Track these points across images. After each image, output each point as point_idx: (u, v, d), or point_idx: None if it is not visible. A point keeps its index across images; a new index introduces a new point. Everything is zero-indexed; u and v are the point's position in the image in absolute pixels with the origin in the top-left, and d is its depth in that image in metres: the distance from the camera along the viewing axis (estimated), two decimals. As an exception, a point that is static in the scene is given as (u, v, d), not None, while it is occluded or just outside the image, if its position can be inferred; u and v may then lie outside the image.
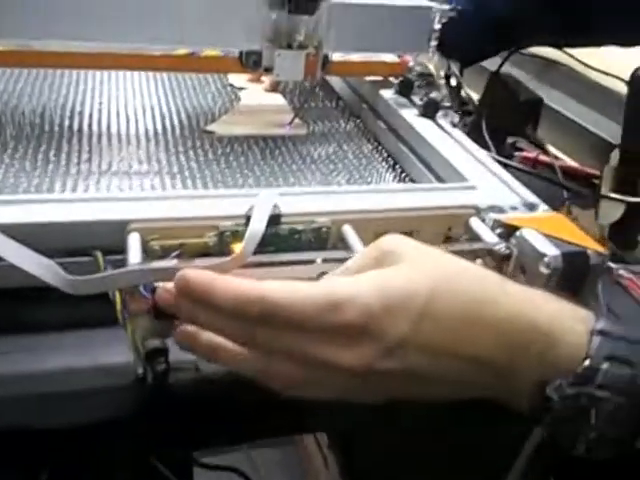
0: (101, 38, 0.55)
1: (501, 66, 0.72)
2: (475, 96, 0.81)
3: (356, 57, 0.65)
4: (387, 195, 0.46)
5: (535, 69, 0.95)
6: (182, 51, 0.59)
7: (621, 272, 0.59)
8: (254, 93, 0.72)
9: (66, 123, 0.60)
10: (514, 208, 0.45)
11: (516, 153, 0.75)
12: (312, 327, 0.30)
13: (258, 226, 0.38)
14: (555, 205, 0.61)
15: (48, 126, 0.59)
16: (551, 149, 0.86)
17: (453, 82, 0.72)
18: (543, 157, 0.73)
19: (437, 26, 0.62)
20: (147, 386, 0.41)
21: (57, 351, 0.43)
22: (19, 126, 0.59)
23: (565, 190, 0.63)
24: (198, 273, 0.32)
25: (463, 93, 0.77)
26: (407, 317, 0.30)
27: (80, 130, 0.59)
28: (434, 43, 0.63)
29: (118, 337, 0.39)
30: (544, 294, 0.33)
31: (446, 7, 0.61)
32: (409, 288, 0.31)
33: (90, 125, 0.61)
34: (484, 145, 0.66)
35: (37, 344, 0.43)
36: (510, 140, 0.75)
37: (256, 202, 0.40)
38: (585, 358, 0.30)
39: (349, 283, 0.31)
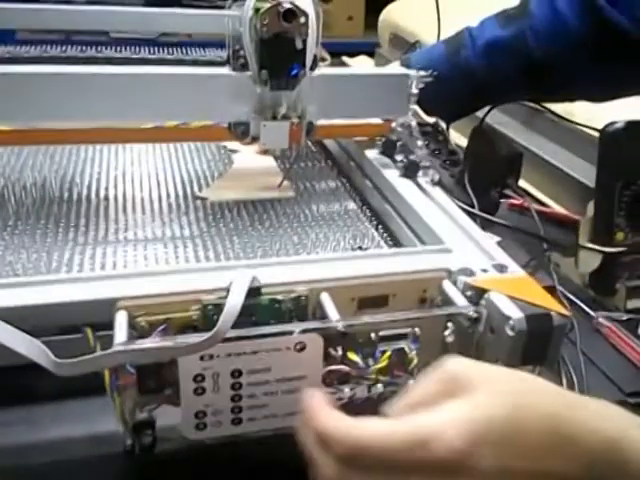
0: (100, 116, 0.58)
1: (482, 121, 0.75)
2: (465, 142, 0.84)
3: (340, 120, 0.69)
4: (363, 261, 0.48)
5: (522, 116, 0.98)
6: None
7: (600, 320, 0.61)
8: (246, 155, 0.75)
9: (65, 195, 0.63)
10: (485, 270, 0.47)
11: (502, 200, 0.78)
12: (404, 464, 0.30)
13: (236, 301, 0.40)
14: (537, 253, 0.63)
15: (48, 199, 0.62)
16: (539, 195, 0.88)
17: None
18: (528, 204, 0.75)
19: (415, 90, 0.65)
20: (136, 456, 0.43)
21: (55, 422, 0.45)
22: (21, 200, 0.62)
23: (545, 242, 0.65)
24: None
25: (451, 143, 0.80)
26: (492, 444, 0.30)
27: (79, 200, 0.63)
28: (413, 106, 0.66)
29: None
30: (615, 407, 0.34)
31: (423, 73, 0.64)
32: (491, 416, 0.31)
33: (88, 195, 0.64)
34: (468, 197, 0.69)
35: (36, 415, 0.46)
36: (496, 189, 0.77)
37: (235, 277, 0.43)
38: None
39: (433, 419, 0.31)
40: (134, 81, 0.58)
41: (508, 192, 0.79)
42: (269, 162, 0.74)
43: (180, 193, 0.66)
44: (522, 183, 0.78)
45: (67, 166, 0.70)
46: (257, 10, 0.55)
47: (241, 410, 0.44)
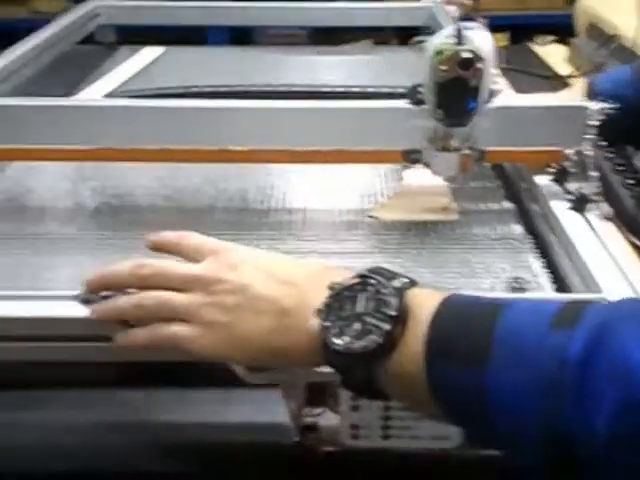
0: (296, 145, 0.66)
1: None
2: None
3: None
4: None
5: None
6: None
7: None
8: (416, 172, 0.78)
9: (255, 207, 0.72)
10: None
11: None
12: None
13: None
14: None
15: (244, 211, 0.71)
16: None
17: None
18: None
19: (593, 123, 0.64)
20: (300, 452, 0.51)
21: (239, 406, 0.54)
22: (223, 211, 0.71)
23: None
24: None
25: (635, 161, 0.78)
26: None
27: (262, 213, 0.71)
28: (591, 137, 0.65)
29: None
30: None
31: (604, 105, 0.63)
32: None
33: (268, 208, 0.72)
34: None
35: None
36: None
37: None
38: None
39: None
40: (325, 113, 0.65)
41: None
42: (438, 180, 0.77)
43: (353, 208, 0.72)
44: None
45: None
46: (438, 52, 0.59)
47: (390, 428, 0.50)
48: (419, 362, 0.35)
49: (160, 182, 0.76)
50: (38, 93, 0.79)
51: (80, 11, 1.23)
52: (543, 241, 0.65)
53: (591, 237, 0.60)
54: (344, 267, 0.44)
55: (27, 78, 0.95)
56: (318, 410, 0.51)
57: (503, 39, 1.98)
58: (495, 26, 0.75)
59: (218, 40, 2.23)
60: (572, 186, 0.66)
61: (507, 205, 0.73)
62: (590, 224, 0.62)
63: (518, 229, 0.68)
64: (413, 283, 0.38)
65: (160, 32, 1.40)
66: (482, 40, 0.60)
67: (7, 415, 0.52)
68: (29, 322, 0.48)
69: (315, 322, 0.39)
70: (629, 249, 0.57)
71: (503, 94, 0.66)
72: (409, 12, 1.31)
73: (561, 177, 0.68)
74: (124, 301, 0.44)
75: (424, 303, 0.37)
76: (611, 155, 0.77)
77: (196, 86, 0.71)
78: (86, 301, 0.48)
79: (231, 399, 0.53)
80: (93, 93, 0.87)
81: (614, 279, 0.53)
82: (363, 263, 0.62)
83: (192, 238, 0.47)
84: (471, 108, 0.61)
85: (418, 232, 0.68)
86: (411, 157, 0.67)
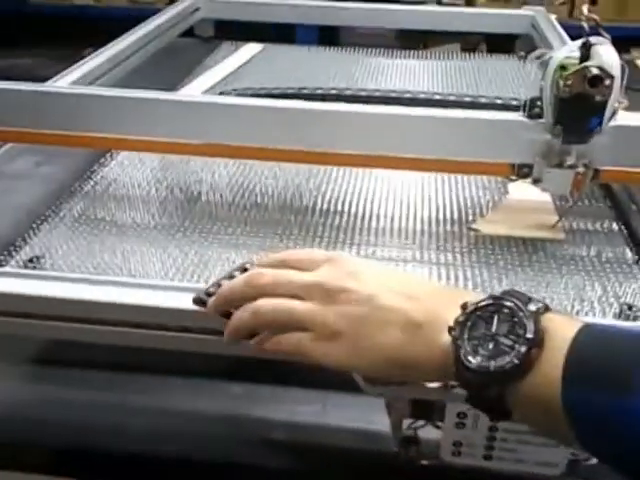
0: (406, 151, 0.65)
1: None
2: None
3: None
4: None
5: None
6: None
7: None
8: (522, 186, 0.76)
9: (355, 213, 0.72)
10: None
11: None
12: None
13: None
14: None
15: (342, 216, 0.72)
16: None
17: None
18: None
19: None
20: (397, 463, 0.51)
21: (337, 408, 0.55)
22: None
23: None
24: None
25: None
26: None
27: (359, 218, 0.71)
28: None
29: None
30: None
31: None
32: None
33: (362, 213, 0.72)
34: None
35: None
36: None
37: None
38: None
39: None
40: (438, 122, 0.64)
41: None
42: (544, 196, 0.75)
43: (454, 219, 0.71)
44: None
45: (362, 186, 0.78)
46: (562, 67, 0.57)
47: (493, 449, 0.49)
48: (555, 386, 0.35)
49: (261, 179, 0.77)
50: (147, 84, 0.81)
51: (181, 5, 1.26)
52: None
53: None
54: (461, 288, 0.44)
55: (133, 68, 0.98)
56: (420, 423, 0.50)
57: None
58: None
59: (307, 37, 2.25)
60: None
61: (616, 227, 0.70)
62: None
63: (629, 254, 0.65)
64: (547, 308, 0.38)
65: (254, 28, 1.43)
66: (609, 56, 0.58)
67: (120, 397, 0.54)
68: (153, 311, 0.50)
69: (447, 338, 0.39)
70: None
71: (621, 112, 0.64)
72: (508, 19, 1.28)
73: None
74: (242, 311, 0.45)
75: (561, 328, 0.37)
76: None
77: (306, 88, 0.72)
78: (200, 302, 0.49)
79: (332, 402, 0.53)
80: (198, 88, 0.89)
81: None
82: (466, 275, 0.62)
83: (298, 252, 0.48)
84: (593, 126, 0.59)
85: (523, 249, 0.66)
86: (522, 171, 0.65)
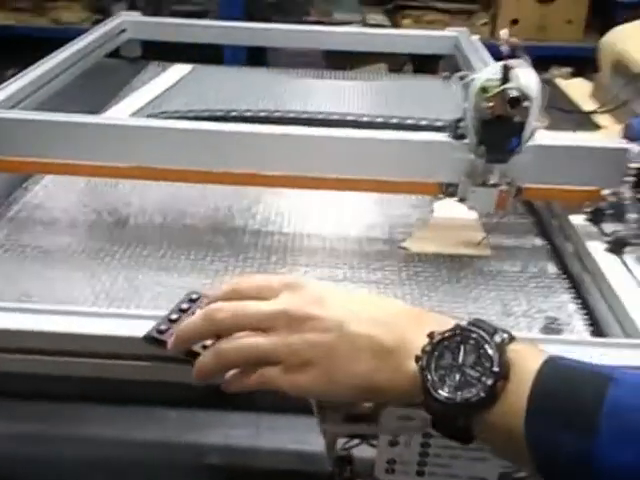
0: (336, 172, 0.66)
1: None
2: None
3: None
4: (559, 347, 0.49)
5: None
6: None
7: None
8: (447, 205, 0.77)
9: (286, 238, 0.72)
10: None
11: None
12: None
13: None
14: None
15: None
16: None
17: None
18: None
19: (634, 165, 0.64)
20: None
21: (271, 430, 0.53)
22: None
23: None
24: None
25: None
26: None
27: (288, 238, 0.71)
28: (629, 179, 0.65)
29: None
30: None
31: (645, 148, 0.64)
32: None
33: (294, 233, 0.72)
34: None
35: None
36: None
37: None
38: None
39: None
40: (365, 143, 0.65)
41: None
42: (470, 213, 0.76)
43: (384, 237, 0.72)
44: None
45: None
46: (483, 89, 0.59)
47: (426, 465, 0.50)
48: (519, 416, 0.36)
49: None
50: (72, 106, 0.79)
51: (108, 25, 1.24)
52: (578, 281, 0.65)
53: (629, 280, 0.60)
54: (427, 310, 0.45)
55: (58, 90, 0.96)
56: (355, 442, 0.50)
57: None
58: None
59: (236, 58, 2.25)
60: (607, 227, 0.66)
61: (540, 242, 0.72)
62: (627, 267, 0.62)
63: (552, 268, 0.68)
64: (512, 338, 0.39)
65: (182, 48, 1.42)
66: (528, 78, 0.60)
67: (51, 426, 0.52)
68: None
69: (414, 366, 0.39)
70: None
71: (541, 131, 0.67)
72: (433, 40, 1.32)
73: (596, 218, 0.68)
74: (205, 354, 0.43)
75: (525, 360, 0.38)
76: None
77: (235, 110, 0.72)
78: (154, 341, 0.47)
79: (266, 424, 0.52)
80: (125, 110, 0.88)
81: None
82: (395, 293, 0.63)
83: (252, 278, 0.46)
84: (514, 146, 0.61)
85: (451, 266, 0.68)
86: (448, 190, 0.67)
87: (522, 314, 0.61)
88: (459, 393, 0.37)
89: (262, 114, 0.70)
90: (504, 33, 0.65)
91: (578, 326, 0.59)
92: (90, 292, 0.61)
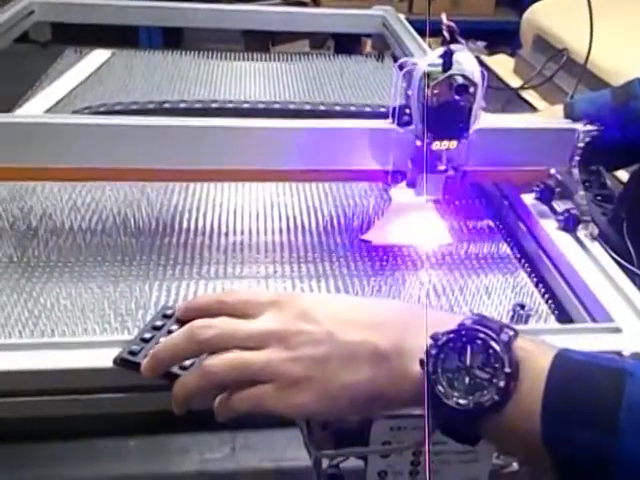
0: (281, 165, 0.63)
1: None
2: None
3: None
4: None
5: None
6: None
7: None
8: (402, 191, 0.75)
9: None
10: None
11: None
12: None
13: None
14: None
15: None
16: None
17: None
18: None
19: (581, 144, 0.64)
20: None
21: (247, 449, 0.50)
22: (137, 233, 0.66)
23: None
24: None
25: (603, 175, 0.79)
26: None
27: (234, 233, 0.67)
28: (577, 158, 0.65)
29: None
30: None
31: (590, 127, 0.64)
32: None
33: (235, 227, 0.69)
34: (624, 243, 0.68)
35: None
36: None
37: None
38: None
39: None
40: (314, 132, 0.62)
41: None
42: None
43: (342, 229, 0.69)
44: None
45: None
46: (429, 76, 0.57)
47: (418, 473, 0.48)
48: (534, 418, 0.35)
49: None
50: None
51: (14, 7, 1.14)
52: (537, 262, 0.65)
53: (586, 260, 0.60)
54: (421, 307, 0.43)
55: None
56: (343, 455, 0.48)
57: (436, 44, 2.01)
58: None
59: (151, 40, 2.16)
60: (557, 205, 0.66)
61: (492, 224, 0.72)
62: (583, 245, 0.62)
63: (509, 250, 0.67)
64: (517, 333, 0.38)
65: (93, 31, 1.34)
66: (470, 63, 0.59)
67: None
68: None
69: (418, 369, 0.37)
70: (622, 273, 0.58)
71: (485, 114, 0.66)
72: (359, 19, 1.29)
73: (546, 196, 0.68)
74: (190, 374, 0.40)
75: (534, 358, 0.37)
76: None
77: (168, 102, 0.67)
78: (127, 363, 0.43)
79: (241, 442, 0.49)
80: (42, 104, 0.81)
81: (619, 305, 0.54)
82: (363, 285, 0.61)
83: (236, 293, 0.43)
84: (460, 131, 0.60)
85: (413, 254, 0.66)
86: (396, 177, 0.65)
87: (489, 300, 0.60)
88: (471, 397, 0.36)
89: (198, 105, 0.66)
90: (443, 17, 0.63)
91: (545, 310, 0.59)
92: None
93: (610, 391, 0.34)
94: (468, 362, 0.36)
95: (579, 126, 0.64)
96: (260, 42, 2.32)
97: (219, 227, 0.68)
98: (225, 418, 0.40)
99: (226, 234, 0.67)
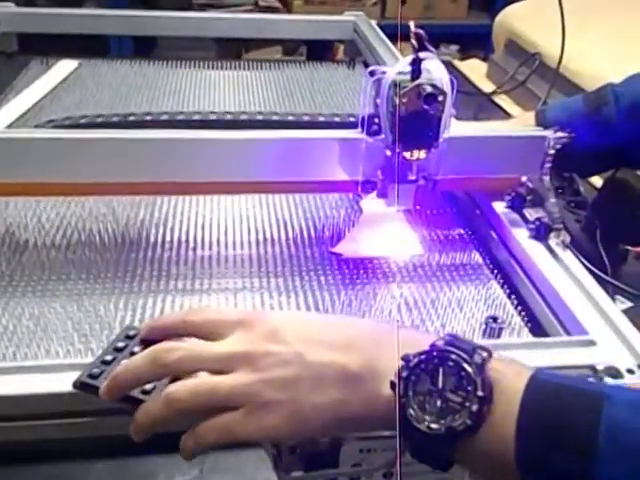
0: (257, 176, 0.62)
1: (615, 173, 0.73)
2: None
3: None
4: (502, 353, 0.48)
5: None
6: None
7: None
8: (372, 201, 0.74)
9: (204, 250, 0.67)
10: (631, 371, 0.47)
11: (629, 247, 0.74)
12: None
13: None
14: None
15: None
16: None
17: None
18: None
19: (551, 151, 0.64)
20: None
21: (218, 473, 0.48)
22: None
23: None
24: None
25: (576, 181, 0.79)
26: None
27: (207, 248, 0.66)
28: (548, 165, 0.65)
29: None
30: None
31: (561, 134, 0.64)
32: None
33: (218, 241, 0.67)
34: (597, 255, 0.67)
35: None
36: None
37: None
38: None
39: None
40: (282, 143, 0.61)
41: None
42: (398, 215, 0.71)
43: (312, 241, 0.68)
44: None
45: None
46: (395, 84, 0.56)
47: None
48: (508, 442, 0.34)
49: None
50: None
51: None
52: (509, 272, 0.64)
53: (555, 266, 0.60)
54: (386, 323, 0.44)
55: None
56: (313, 478, 0.46)
57: (408, 49, 2.00)
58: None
59: (122, 49, 2.13)
60: (528, 214, 0.65)
61: (464, 232, 0.71)
62: (554, 254, 0.61)
63: (481, 260, 0.67)
64: (490, 354, 0.36)
65: (62, 41, 1.32)
66: (439, 71, 0.58)
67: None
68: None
69: (389, 392, 0.36)
70: (594, 282, 0.57)
71: (455, 122, 0.65)
72: (331, 25, 1.29)
73: (518, 204, 0.67)
74: (152, 401, 0.38)
75: (509, 380, 0.35)
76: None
77: (134, 114, 0.65)
78: (86, 386, 0.41)
79: (210, 464, 0.48)
80: (5, 118, 0.79)
81: (593, 317, 0.53)
82: (333, 299, 0.60)
83: (203, 312, 0.42)
84: (430, 140, 0.59)
85: (385, 266, 0.65)
86: (366, 188, 0.64)
87: (462, 314, 0.59)
88: (442, 422, 0.35)
89: (164, 117, 0.64)
90: (411, 25, 0.63)
91: (518, 323, 0.58)
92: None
93: (587, 414, 0.33)
94: (440, 385, 0.35)
95: (549, 133, 0.64)
96: (233, 49, 2.31)
97: (187, 241, 0.67)
98: (193, 456, 0.39)
99: (194, 248, 0.66)
